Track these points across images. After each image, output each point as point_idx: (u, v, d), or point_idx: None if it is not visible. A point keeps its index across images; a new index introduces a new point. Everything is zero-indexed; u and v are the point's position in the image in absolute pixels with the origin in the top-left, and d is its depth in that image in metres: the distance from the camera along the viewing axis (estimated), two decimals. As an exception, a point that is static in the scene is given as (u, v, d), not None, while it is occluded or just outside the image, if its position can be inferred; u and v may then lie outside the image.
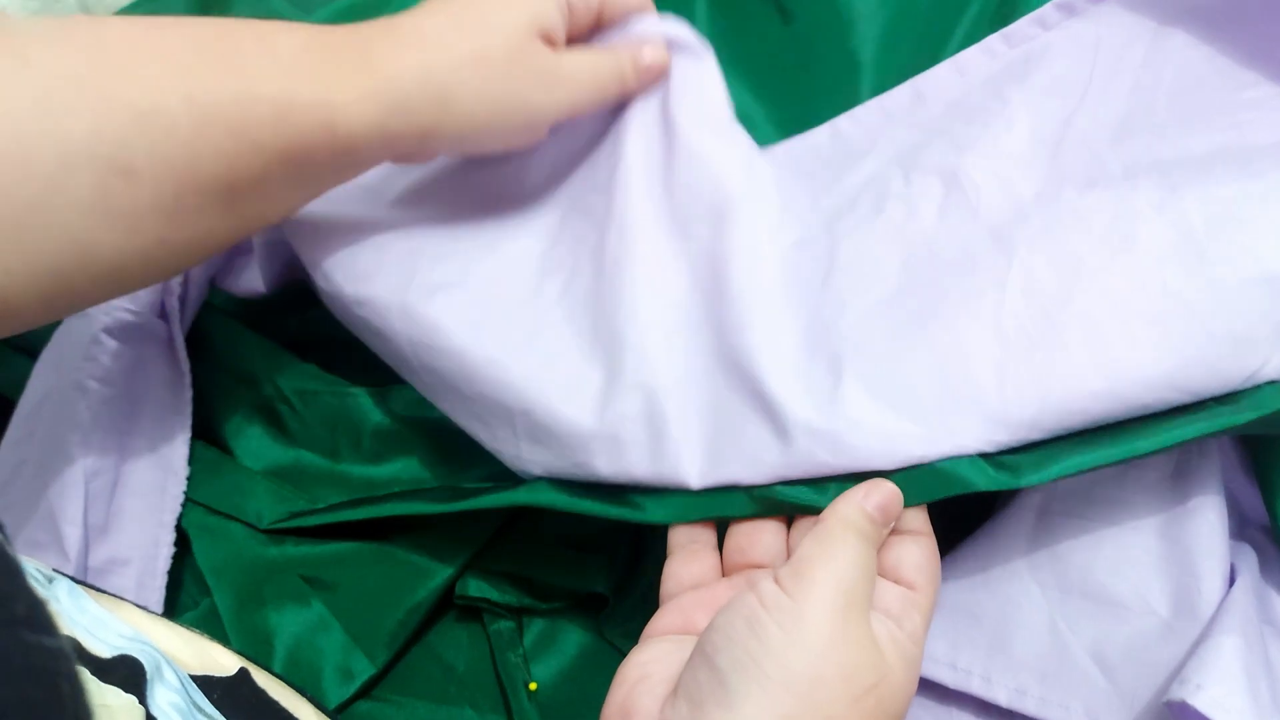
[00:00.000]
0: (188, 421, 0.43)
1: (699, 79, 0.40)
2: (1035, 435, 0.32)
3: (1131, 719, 0.33)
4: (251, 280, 0.46)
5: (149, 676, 0.24)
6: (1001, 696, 0.34)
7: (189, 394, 0.43)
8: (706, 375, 0.36)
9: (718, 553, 0.34)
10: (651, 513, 0.35)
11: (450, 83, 0.35)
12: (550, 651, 0.40)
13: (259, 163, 0.33)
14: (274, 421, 0.44)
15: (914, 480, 0.32)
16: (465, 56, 0.35)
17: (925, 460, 0.32)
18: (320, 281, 0.40)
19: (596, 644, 0.40)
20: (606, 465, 0.35)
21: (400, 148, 0.36)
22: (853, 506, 0.31)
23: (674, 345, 0.36)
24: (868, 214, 0.39)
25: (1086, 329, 0.33)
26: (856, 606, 0.29)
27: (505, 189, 0.42)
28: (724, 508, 0.34)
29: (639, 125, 0.40)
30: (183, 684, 0.25)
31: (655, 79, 0.40)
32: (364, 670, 0.39)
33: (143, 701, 0.23)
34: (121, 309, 0.42)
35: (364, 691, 0.39)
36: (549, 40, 0.37)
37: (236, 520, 0.42)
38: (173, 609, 0.42)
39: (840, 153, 0.44)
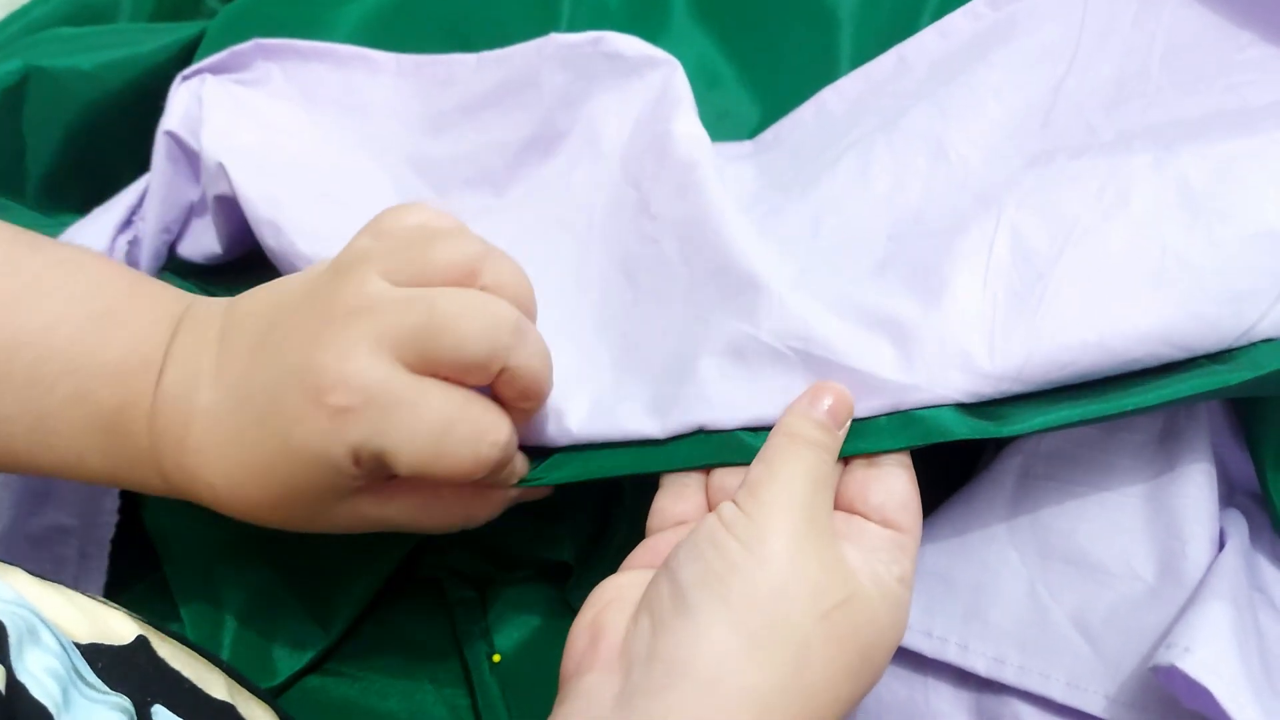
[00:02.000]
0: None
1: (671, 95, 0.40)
2: (1020, 388, 0.31)
3: (1115, 687, 0.31)
4: (208, 242, 0.44)
5: (20, 638, 0.22)
6: (979, 665, 0.33)
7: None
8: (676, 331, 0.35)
9: (704, 491, 0.33)
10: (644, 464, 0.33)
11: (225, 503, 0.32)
12: (514, 623, 0.39)
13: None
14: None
15: (891, 427, 0.31)
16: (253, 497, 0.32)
17: (903, 407, 0.31)
18: (269, 238, 0.38)
19: (562, 615, 0.38)
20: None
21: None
22: (798, 417, 0.30)
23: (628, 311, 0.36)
24: (852, 181, 0.38)
25: (1078, 285, 0.32)
26: (816, 520, 0.28)
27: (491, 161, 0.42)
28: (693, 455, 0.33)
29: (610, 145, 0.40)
30: (64, 649, 0.24)
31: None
32: (317, 641, 0.38)
33: (8, 667, 0.21)
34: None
35: (318, 664, 0.38)
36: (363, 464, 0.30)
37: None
38: (122, 581, 0.40)
39: (826, 128, 0.43)
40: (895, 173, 0.38)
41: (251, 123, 0.42)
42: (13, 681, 0.21)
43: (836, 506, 0.31)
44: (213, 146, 0.41)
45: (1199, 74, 0.37)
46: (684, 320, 0.35)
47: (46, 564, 0.39)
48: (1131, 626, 0.31)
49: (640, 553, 0.32)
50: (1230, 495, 0.36)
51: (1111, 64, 0.38)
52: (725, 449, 0.32)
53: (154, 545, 0.39)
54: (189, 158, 0.43)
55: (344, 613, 0.38)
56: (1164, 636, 0.31)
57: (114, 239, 0.42)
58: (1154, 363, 0.31)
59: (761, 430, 0.32)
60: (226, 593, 0.38)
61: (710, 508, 0.32)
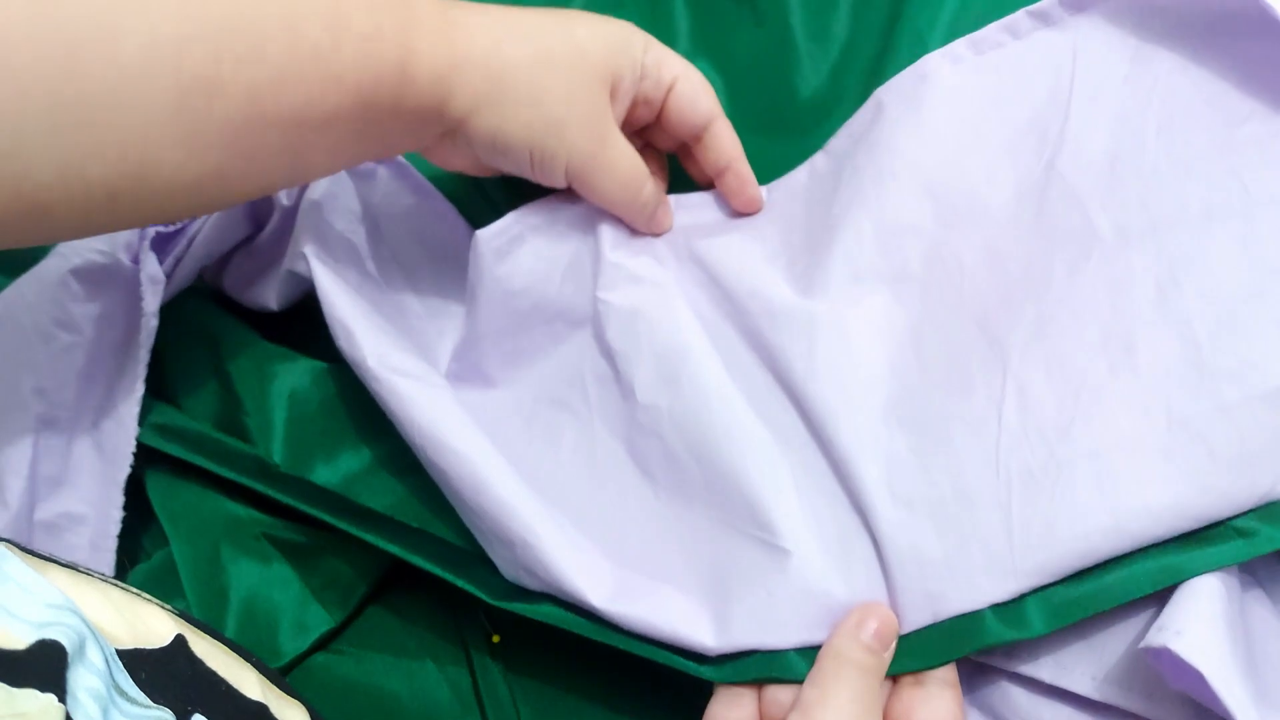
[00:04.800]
0: (143, 372, 0.41)
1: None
2: (1045, 580, 0.31)
3: (1102, 671, 0.32)
4: (263, 296, 0.44)
5: (70, 659, 0.22)
6: (970, 649, 0.34)
7: (148, 347, 0.42)
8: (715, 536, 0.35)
9: (757, 702, 0.33)
10: (697, 670, 0.33)
11: (513, 66, 0.35)
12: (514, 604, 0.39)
13: (333, 99, 0.32)
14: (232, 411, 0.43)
15: (933, 640, 0.32)
16: (537, 51, 0.35)
17: (942, 617, 0.32)
18: (343, 343, 0.38)
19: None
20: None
21: (435, 125, 0.36)
22: (846, 640, 0.31)
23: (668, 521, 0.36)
24: (843, 296, 0.37)
25: (1090, 467, 0.32)
26: None
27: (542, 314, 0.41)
28: (744, 673, 0.33)
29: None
30: (107, 663, 0.24)
31: (654, 232, 0.41)
32: (321, 623, 0.38)
33: (62, 691, 0.21)
34: (93, 250, 0.40)
35: (321, 645, 0.39)
36: (614, 94, 0.37)
37: (197, 477, 0.41)
38: (131, 561, 0.41)
39: (817, 192, 0.41)
40: (890, 280, 0.37)
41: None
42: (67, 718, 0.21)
43: None
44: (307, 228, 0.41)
45: (1198, 151, 0.35)
46: (710, 524, 0.35)
47: (58, 552, 0.40)
48: (1114, 611, 0.32)
49: None
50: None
51: (1105, 134, 0.36)
52: (774, 667, 0.33)
53: (162, 527, 0.40)
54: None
55: (348, 597, 0.39)
56: (1150, 619, 0.31)
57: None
58: (1172, 536, 0.31)
59: (809, 650, 0.32)
60: (233, 573, 0.39)
61: (763, 718, 0.33)
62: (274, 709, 0.30)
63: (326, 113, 0.33)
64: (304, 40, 0.31)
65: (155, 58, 0.29)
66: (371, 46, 0.32)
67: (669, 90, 0.39)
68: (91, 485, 0.40)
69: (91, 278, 0.40)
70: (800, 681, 0.32)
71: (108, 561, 0.39)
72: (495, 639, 0.38)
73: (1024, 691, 0.33)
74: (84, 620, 0.24)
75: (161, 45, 0.29)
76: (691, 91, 0.39)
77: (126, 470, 0.40)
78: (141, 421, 0.40)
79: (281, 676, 0.32)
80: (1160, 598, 0.31)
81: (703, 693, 0.34)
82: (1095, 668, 0.32)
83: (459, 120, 0.36)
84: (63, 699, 0.21)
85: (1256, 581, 0.33)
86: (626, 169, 0.38)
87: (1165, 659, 0.29)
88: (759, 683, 0.33)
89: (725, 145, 0.41)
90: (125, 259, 0.41)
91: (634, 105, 0.39)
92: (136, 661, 0.26)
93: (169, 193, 0.32)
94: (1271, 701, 0.29)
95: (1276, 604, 0.33)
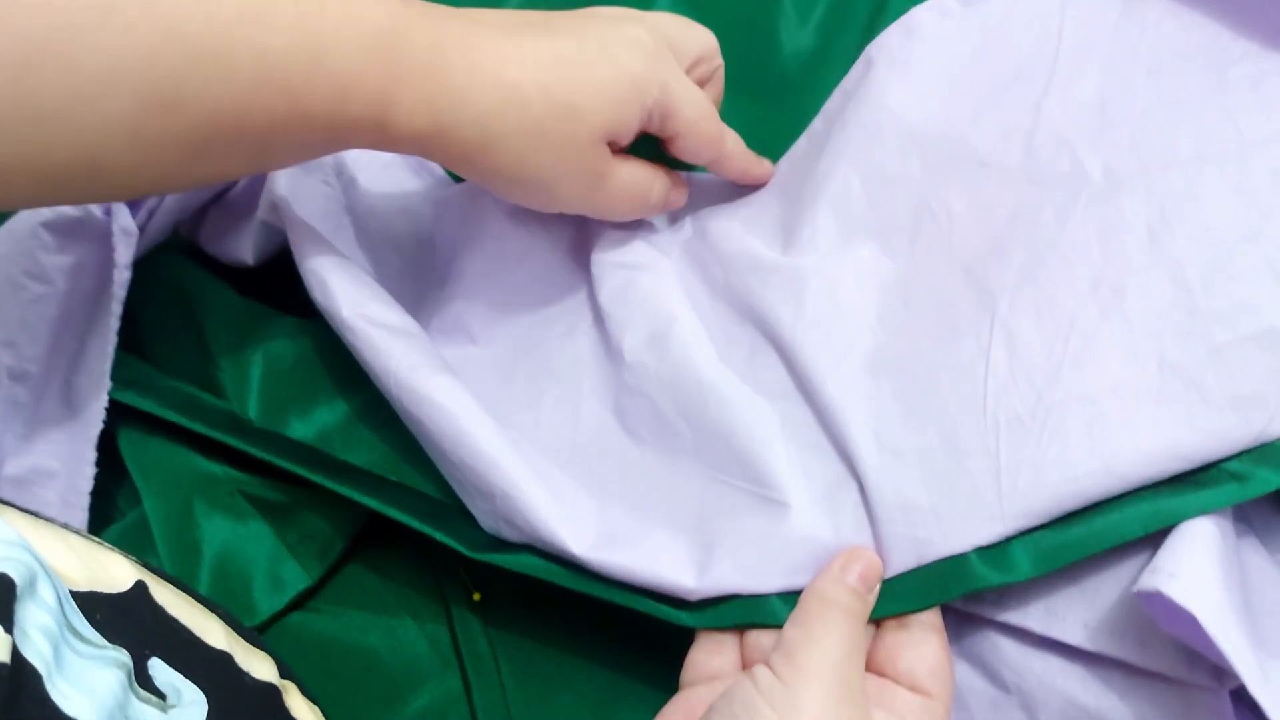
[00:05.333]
0: (115, 324, 0.40)
1: None
2: (1032, 523, 0.31)
3: (1095, 618, 0.31)
4: (239, 249, 0.43)
5: (19, 593, 0.22)
6: (957, 600, 0.33)
7: (121, 298, 0.41)
8: (702, 485, 0.35)
9: (739, 647, 0.33)
10: (677, 617, 0.33)
11: (503, 138, 0.33)
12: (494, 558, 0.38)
13: (301, 131, 0.32)
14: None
15: (917, 584, 0.31)
16: (532, 125, 0.33)
17: (926, 560, 0.31)
18: (316, 294, 0.37)
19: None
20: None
21: (432, 158, 0.35)
22: (831, 582, 0.31)
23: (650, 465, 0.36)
24: (832, 250, 0.37)
25: (1080, 411, 0.31)
26: (848, 686, 0.29)
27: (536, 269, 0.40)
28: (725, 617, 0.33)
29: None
30: (60, 602, 0.23)
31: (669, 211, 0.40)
32: (297, 580, 0.37)
33: (9, 624, 0.21)
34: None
35: (299, 603, 0.38)
36: (613, 144, 0.35)
37: (170, 434, 0.40)
38: (102, 522, 0.40)
39: (812, 153, 0.40)
40: (877, 235, 0.37)
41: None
42: (14, 652, 0.20)
43: (868, 668, 0.31)
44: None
45: (1189, 93, 0.34)
46: (701, 480, 0.35)
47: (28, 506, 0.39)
48: (1106, 555, 0.31)
49: (674, 708, 0.32)
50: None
51: (1094, 80, 0.36)
52: (757, 612, 0.32)
53: (134, 482, 0.39)
54: None
55: (325, 553, 0.38)
56: (1141, 564, 0.31)
57: None
58: (1165, 477, 0.30)
59: (792, 595, 0.32)
60: (206, 528, 0.38)
61: (745, 664, 0.33)
62: (239, 659, 0.29)
63: (293, 139, 0.32)
64: (276, 75, 0.30)
65: (114, 76, 0.28)
66: (349, 94, 0.31)
67: (674, 136, 0.37)
68: (62, 440, 0.39)
69: (63, 229, 0.39)
70: (782, 626, 0.31)
71: (80, 519, 0.38)
72: (476, 597, 0.37)
73: (1014, 643, 0.32)
74: (36, 557, 0.23)
75: (123, 65, 0.28)
76: (694, 146, 0.37)
77: (99, 426, 0.39)
78: (114, 377, 0.39)
79: (250, 629, 0.31)
80: (1154, 545, 0.31)
81: (686, 646, 0.33)
82: (1088, 614, 0.31)
83: (441, 163, 0.35)
84: (9, 631, 0.21)
85: (1251, 529, 0.33)
86: (630, 192, 0.37)
87: (1158, 603, 0.28)
88: (740, 628, 0.32)
89: (733, 170, 0.40)
90: (98, 211, 0.40)
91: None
92: (93, 603, 0.25)
93: (124, 186, 0.32)
94: (1269, 649, 0.29)
95: (1273, 552, 0.32)
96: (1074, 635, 0.31)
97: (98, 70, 0.28)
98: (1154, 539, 0.30)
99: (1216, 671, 0.30)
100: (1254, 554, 0.32)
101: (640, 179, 0.37)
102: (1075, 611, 0.31)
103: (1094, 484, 0.30)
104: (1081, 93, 0.36)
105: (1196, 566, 0.29)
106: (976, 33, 0.38)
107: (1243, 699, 0.30)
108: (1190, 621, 0.28)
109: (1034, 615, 0.32)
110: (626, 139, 0.36)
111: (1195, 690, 0.30)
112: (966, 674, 0.33)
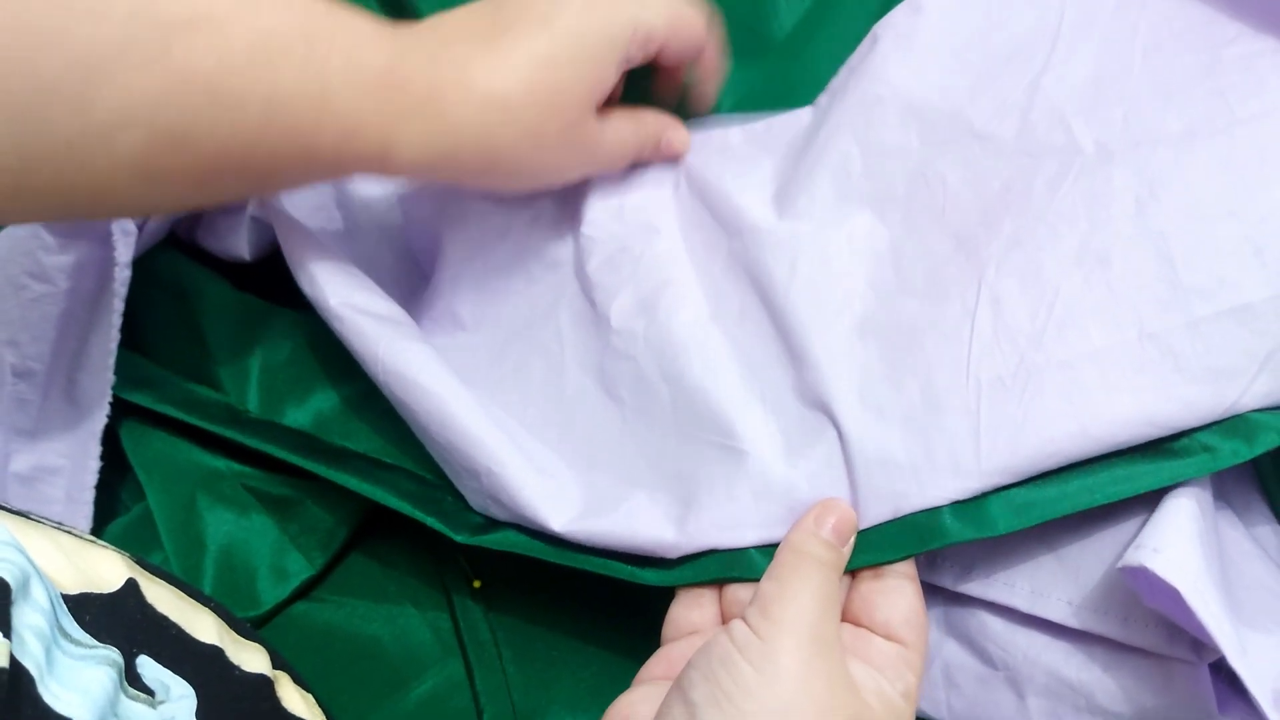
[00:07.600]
0: (118, 321, 0.41)
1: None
2: (1008, 480, 0.32)
3: (1080, 594, 0.32)
4: (235, 245, 0.43)
5: (14, 595, 0.22)
6: (946, 579, 0.34)
7: (122, 296, 0.41)
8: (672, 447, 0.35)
9: (718, 601, 0.34)
10: (645, 576, 0.34)
11: (504, 149, 0.34)
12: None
13: (305, 165, 0.33)
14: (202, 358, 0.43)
15: (892, 536, 0.32)
16: (526, 129, 0.34)
17: (902, 513, 0.32)
18: (305, 285, 0.38)
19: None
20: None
21: (438, 180, 0.36)
22: (805, 534, 0.31)
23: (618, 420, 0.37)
24: (828, 216, 0.37)
25: (1061, 375, 0.32)
26: (824, 638, 0.29)
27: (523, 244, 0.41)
28: (704, 572, 0.33)
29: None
30: (52, 604, 0.24)
31: (669, 159, 0.40)
32: (300, 570, 0.38)
33: (7, 628, 0.21)
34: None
35: (302, 593, 0.39)
36: (599, 107, 0.36)
37: (171, 429, 0.41)
38: (106, 517, 0.40)
39: (813, 125, 0.41)
40: (873, 204, 0.37)
41: None
42: (10, 658, 0.21)
43: (844, 618, 0.32)
44: None
45: (1184, 73, 0.35)
46: (678, 440, 0.35)
47: (33, 504, 0.39)
48: (1091, 533, 0.32)
49: (655, 663, 0.33)
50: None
51: (1091, 58, 0.36)
52: (735, 566, 0.33)
53: (137, 476, 0.40)
54: None
55: (327, 543, 0.39)
56: (1127, 542, 0.31)
57: None
58: (1139, 442, 0.31)
59: (769, 547, 0.33)
60: (209, 521, 0.38)
61: (724, 617, 0.33)
62: (230, 652, 0.30)
63: (296, 173, 0.33)
64: (284, 116, 0.31)
65: (127, 115, 0.29)
66: (353, 133, 0.32)
67: (660, 50, 0.38)
68: (67, 437, 0.40)
69: (63, 229, 0.40)
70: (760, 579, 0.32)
71: (85, 514, 0.39)
72: (476, 584, 0.38)
73: (1001, 621, 0.33)
74: (29, 559, 0.24)
75: (136, 105, 0.29)
76: (680, 48, 0.38)
77: (103, 421, 0.39)
78: (116, 374, 0.40)
79: (242, 621, 0.32)
80: (1136, 524, 0.31)
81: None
82: (1072, 593, 0.32)
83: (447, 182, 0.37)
84: (7, 635, 0.21)
85: (1230, 505, 0.34)
86: (620, 147, 0.38)
87: (1142, 578, 0.29)
88: (720, 583, 0.33)
89: (711, 65, 0.40)
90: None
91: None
92: (83, 606, 0.25)
93: (125, 209, 0.34)
94: (1247, 621, 0.30)
95: (1249, 527, 0.33)
96: (1059, 613, 0.32)
97: (111, 108, 0.29)
98: (1133, 517, 0.31)
99: (1195, 645, 0.30)
100: (1231, 529, 0.33)
101: (624, 133, 0.38)
102: (1060, 590, 0.32)
103: (1070, 445, 0.31)
104: (1079, 70, 0.37)
105: (1179, 543, 0.29)
106: (980, 9, 0.39)
107: (1220, 671, 0.31)
108: (1173, 596, 0.28)
109: (1020, 594, 0.33)
110: (610, 90, 0.36)
111: (1175, 664, 0.31)
112: (955, 650, 0.34)
